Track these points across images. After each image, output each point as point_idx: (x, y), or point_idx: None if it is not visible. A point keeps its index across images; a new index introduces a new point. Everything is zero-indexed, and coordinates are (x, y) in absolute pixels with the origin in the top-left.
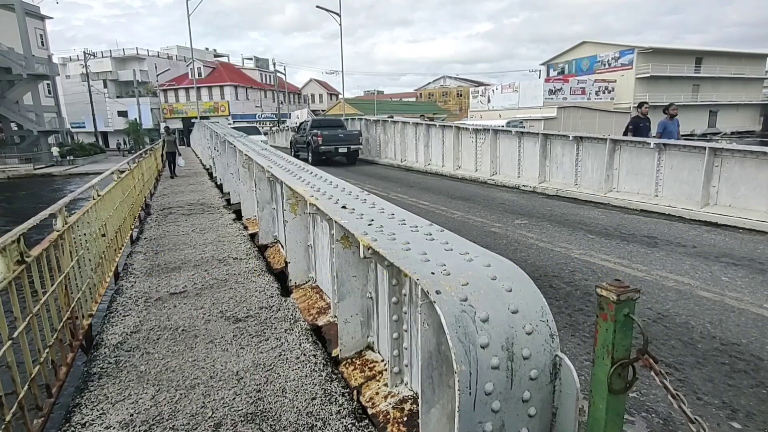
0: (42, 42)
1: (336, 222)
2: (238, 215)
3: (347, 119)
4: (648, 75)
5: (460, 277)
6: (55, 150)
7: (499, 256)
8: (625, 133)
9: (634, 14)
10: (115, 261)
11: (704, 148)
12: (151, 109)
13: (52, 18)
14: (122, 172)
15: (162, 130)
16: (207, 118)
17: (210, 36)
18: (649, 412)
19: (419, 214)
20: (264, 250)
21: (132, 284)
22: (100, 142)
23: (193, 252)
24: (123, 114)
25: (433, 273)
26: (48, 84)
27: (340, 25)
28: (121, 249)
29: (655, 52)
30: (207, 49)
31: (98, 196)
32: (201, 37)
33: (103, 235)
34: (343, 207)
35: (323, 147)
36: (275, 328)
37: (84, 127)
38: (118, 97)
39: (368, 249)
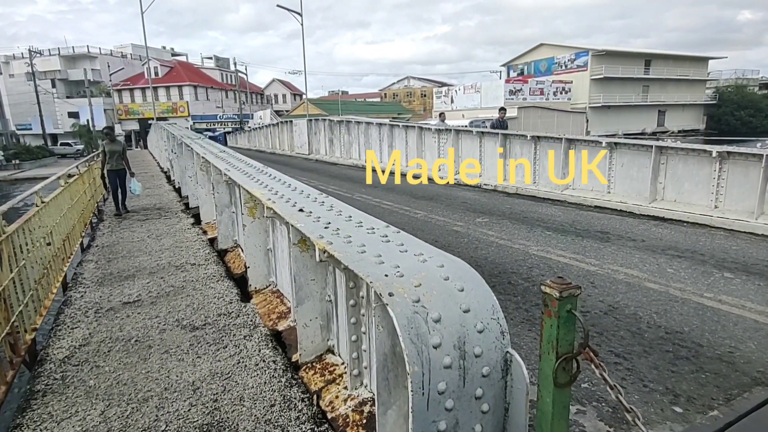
0: None
1: (292, 225)
2: (197, 219)
3: (310, 120)
4: (602, 76)
5: (413, 279)
6: None
7: (452, 256)
8: None
9: (582, 19)
10: (63, 270)
11: (651, 146)
12: (105, 110)
13: None
14: (70, 176)
15: (103, 135)
16: (165, 119)
17: (164, 35)
18: (600, 401)
19: (383, 215)
20: (224, 255)
21: (82, 294)
22: (49, 145)
23: (149, 259)
24: (74, 115)
25: (386, 275)
26: None
27: (302, 24)
28: (69, 258)
29: (608, 54)
30: (164, 47)
31: (42, 203)
32: (154, 36)
33: (49, 244)
34: (300, 210)
35: None
36: (234, 335)
37: (30, 129)
38: (68, 97)
39: (324, 252)
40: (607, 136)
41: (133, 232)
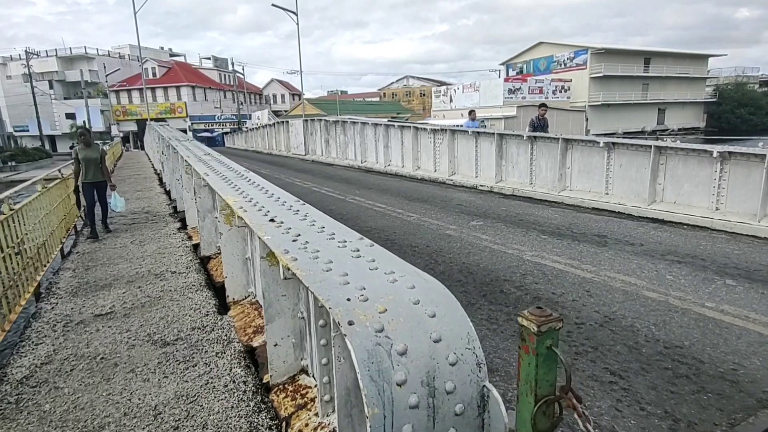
0: None
1: (260, 237)
2: (184, 224)
3: (307, 120)
4: (601, 74)
5: (378, 303)
6: None
7: (426, 275)
8: None
9: (580, 17)
10: (36, 280)
11: (650, 146)
12: (102, 110)
13: None
14: (50, 180)
15: (76, 139)
16: (164, 120)
17: (162, 36)
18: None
19: (375, 218)
20: (206, 262)
21: (53, 306)
22: (47, 146)
23: (129, 266)
24: (71, 116)
25: (348, 299)
26: None
27: (297, 24)
28: (45, 266)
29: (607, 52)
30: (162, 48)
31: (10, 210)
32: (152, 37)
33: (18, 254)
34: (271, 220)
35: None
36: (206, 351)
37: (28, 130)
38: (65, 98)
39: (288, 269)
40: (606, 135)
41: (117, 238)
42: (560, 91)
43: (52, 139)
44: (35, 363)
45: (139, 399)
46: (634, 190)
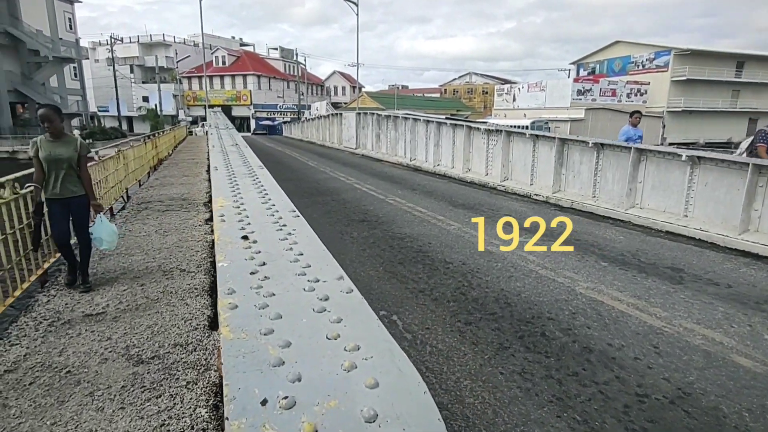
0: (70, 26)
1: (216, 262)
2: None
3: (359, 114)
4: (684, 78)
5: (307, 416)
6: (76, 132)
7: (403, 360)
8: None
9: (658, 17)
10: (43, 267)
11: (747, 164)
12: (174, 95)
13: (81, 2)
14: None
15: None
16: (229, 107)
17: (235, 27)
18: None
19: (413, 223)
20: None
21: (49, 299)
22: (125, 127)
23: (142, 259)
24: (146, 99)
25: (264, 402)
26: (74, 67)
27: (357, 14)
28: (58, 253)
29: (693, 54)
30: (233, 37)
31: (14, 194)
32: (227, 27)
33: (16, 241)
34: (245, 237)
35: None
36: (177, 378)
37: (108, 111)
38: (143, 82)
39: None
40: (684, 144)
41: (144, 225)
42: (635, 95)
43: (130, 120)
44: None
45: None
46: (722, 214)
